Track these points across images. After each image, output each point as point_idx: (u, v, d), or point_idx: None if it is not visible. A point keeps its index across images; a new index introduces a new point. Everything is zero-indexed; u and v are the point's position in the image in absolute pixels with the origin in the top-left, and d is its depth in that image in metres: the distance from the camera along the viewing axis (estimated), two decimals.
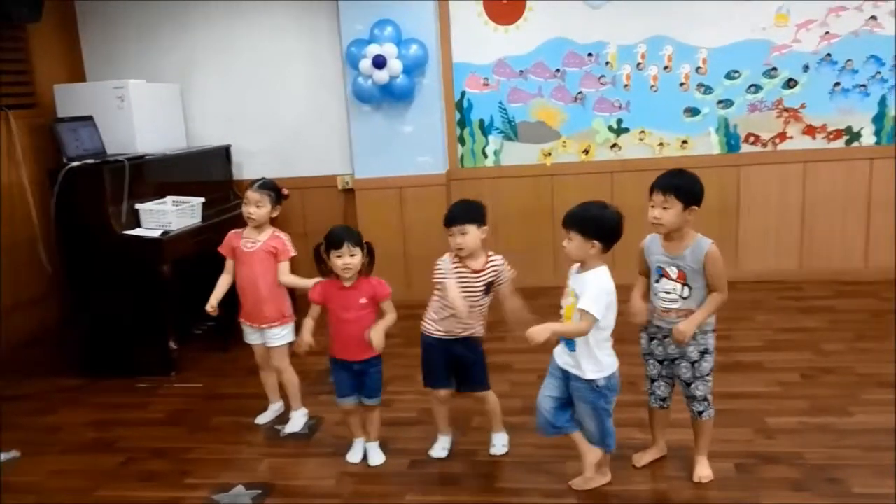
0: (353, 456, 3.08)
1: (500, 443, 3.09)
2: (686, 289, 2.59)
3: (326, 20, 5.15)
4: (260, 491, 2.86)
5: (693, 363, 2.65)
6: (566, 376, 2.65)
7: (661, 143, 5.09)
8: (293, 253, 3.33)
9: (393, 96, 4.89)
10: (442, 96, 5.12)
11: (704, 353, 2.64)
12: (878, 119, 4.87)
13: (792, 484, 2.70)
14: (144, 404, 3.79)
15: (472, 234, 2.80)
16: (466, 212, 2.84)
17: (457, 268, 2.84)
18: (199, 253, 4.34)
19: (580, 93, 5.10)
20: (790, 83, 4.90)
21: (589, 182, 5.12)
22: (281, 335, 3.32)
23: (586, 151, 5.17)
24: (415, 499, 2.77)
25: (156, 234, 4.06)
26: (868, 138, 4.91)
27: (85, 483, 3.02)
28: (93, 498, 2.91)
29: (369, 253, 2.91)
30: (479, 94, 5.20)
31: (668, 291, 2.62)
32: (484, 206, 2.91)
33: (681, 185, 2.54)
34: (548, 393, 2.70)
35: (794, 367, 3.72)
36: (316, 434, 3.31)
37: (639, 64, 5.01)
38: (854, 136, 4.92)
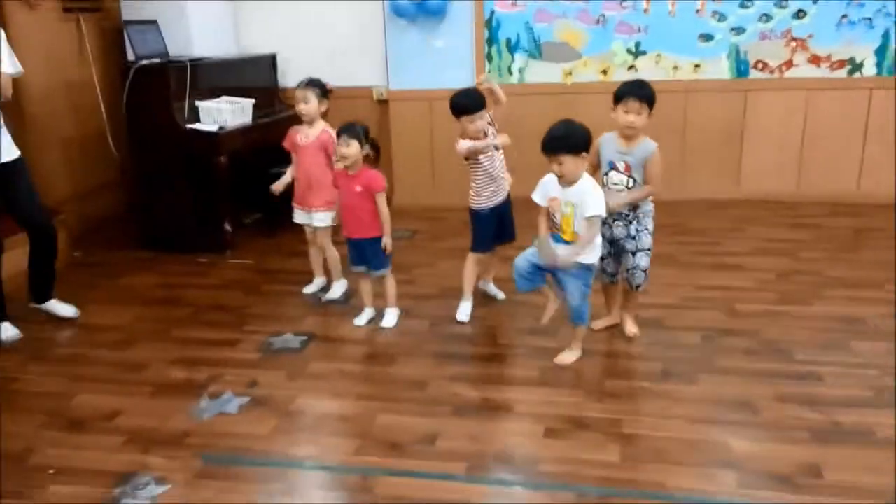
0: (360, 320, 3.62)
1: (492, 288, 3.86)
2: (631, 180, 3.13)
3: None
4: (305, 337, 3.49)
5: (633, 238, 3.22)
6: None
7: (675, 67, 5.45)
8: None
9: (428, 12, 5.28)
10: (473, 14, 5.50)
11: (646, 231, 3.22)
12: (881, 51, 5.18)
13: (745, 351, 3.24)
14: (204, 273, 4.43)
15: (484, 119, 3.45)
16: (476, 100, 3.44)
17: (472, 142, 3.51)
18: (249, 150, 4.88)
19: (602, 15, 5.43)
20: (799, 14, 5.20)
21: (606, 101, 5.45)
22: (323, 219, 3.84)
23: (605, 72, 5.55)
24: (432, 348, 3.37)
25: (213, 128, 4.58)
26: (870, 69, 5.22)
27: (162, 326, 3.68)
28: (170, 336, 3.57)
29: (374, 148, 3.46)
30: (508, 13, 5.55)
31: (616, 182, 3.16)
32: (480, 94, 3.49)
33: (650, 94, 3.10)
34: (530, 258, 3.10)
35: (772, 269, 4.19)
36: (351, 300, 3.90)
37: None
38: (856, 66, 5.24)
